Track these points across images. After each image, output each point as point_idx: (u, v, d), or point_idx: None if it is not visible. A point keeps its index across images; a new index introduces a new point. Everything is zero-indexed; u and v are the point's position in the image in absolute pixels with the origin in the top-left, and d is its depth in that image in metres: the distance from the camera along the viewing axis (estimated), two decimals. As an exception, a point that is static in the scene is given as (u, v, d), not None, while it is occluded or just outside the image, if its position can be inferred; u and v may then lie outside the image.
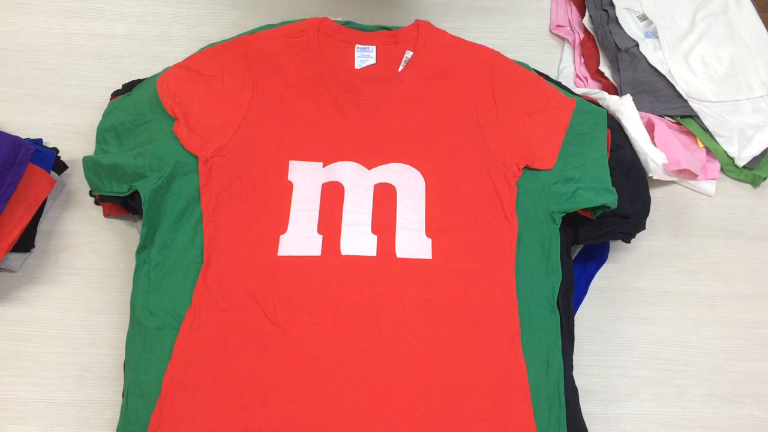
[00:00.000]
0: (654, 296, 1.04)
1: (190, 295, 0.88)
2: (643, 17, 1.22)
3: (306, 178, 0.94)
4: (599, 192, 0.94)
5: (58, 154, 1.05)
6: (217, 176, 0.92)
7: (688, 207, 1.11)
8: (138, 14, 1.24)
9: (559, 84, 1.08)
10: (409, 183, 0.94)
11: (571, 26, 1.24)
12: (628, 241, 1.02)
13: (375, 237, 0.90)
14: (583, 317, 1.00)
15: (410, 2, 1.27)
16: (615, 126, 1.06)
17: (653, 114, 1.13)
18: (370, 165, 0.95)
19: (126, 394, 0.86)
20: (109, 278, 1.01)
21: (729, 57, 1.18)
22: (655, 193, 1.08)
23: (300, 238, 0.90)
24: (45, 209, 1.04)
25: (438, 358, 0.84)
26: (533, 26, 1.25)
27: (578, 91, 1.11)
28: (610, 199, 0.93)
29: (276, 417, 0.82)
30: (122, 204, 0.99)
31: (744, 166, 1.12)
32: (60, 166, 1.05)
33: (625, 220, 0.99)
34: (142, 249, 0.92)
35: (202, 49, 1.04)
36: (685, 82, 1.14)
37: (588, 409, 0.93)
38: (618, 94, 1.14)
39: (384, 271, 0.89)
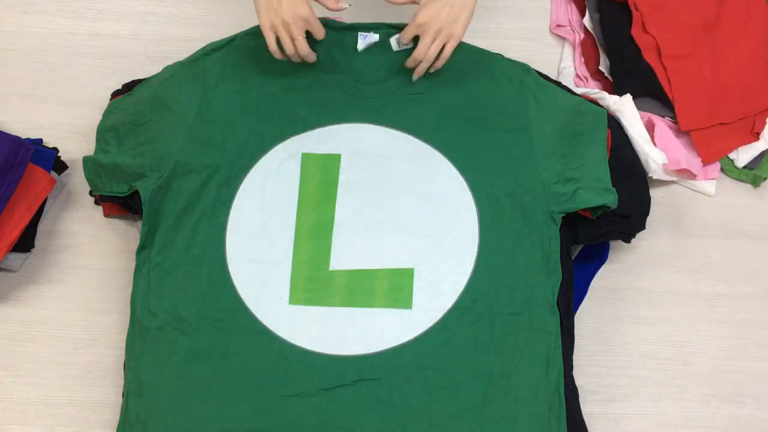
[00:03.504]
0: (654, 296, 1.04)
1: (190, 295, 0.88)
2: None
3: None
4: (599, 192, 0.94)
5: (58, 154, 1.05)
6: None
7: (688, 207, 1.11)
8: (139, 14, 1.24)
9: (559, 84, 1.08)
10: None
11: (571, 26, 1.24)
12: (628, 241, 1.02)
13: None
14: (583, 317, 1.00)
15: (410, 2, 1.27)
16: (615, 126, 1.06)
17: (654, 114, 1.13)
18: None
19: (126, 394, 0.86)
20: (109, 278, 1.01)
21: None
22: (655, 193, 1.08)
23: None
24: (45, 209, 1.04)
25: None
26: (533, 26, 1.25)
27: (578, 91, 1.11)
28: (610, 200, 0.93)
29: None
30: (122, 204, 0.99)
31: (744, 167, 1.12)
32: (60, 166, 1.06)
33: (625, 220, 0.99)
34: (142, 249, 0.92)
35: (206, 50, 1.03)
36: None
37: (588, 409, 0.93)
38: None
39: None
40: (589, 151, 0.98)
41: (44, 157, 1.01)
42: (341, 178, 0.95)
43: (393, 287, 0.90)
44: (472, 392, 0.85)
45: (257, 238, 0.92)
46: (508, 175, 0.94)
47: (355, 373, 0.85)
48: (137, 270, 0.91)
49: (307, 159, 0.96)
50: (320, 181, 0.95)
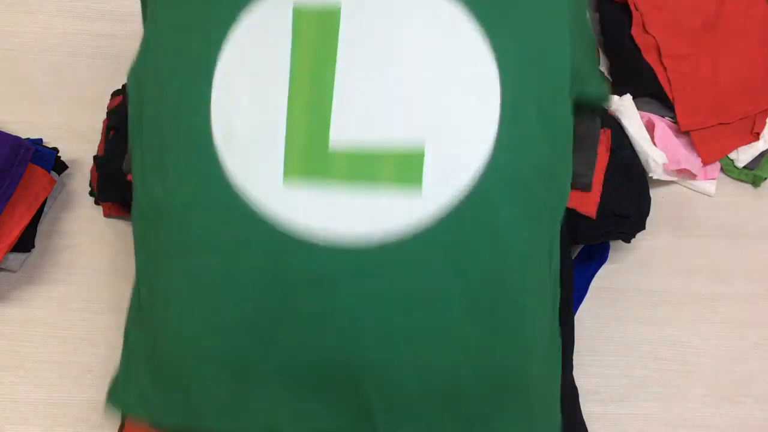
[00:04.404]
0: (654, 296, 1.04)
1: (180, 180, 0.79)
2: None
3: None
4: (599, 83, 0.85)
5: (58, 154, 1.05)
6: None
7: (688, 207, 1.11)
8: (138, 14, 1.23)
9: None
10: None
11: (571, 26, 1.24)
12: (628, 241, 1.02)
13: None
14: (583, 317, 1.00)
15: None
16: (615, 126, 1.06)
17: (654, 114, 1.13)
18: None
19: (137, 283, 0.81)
20: (109, 278, 1.01)
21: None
22: (655, 193, 1.08)
23: None
24: (45, 209, 1.04)
25: None
26: (533, 26, 1.25)
27: (578, 91, 1.11)
28: (602, 90, 0.86)
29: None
30: (122, 204, 0.99)
31: (744, 167, 1.12)
32: (60, 166, 1.06)
33: (625, 220, 0.99)
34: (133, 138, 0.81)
35: None
36: None
37: (588, 409, 0.93)
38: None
39: None
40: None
41: (44, 157, 1.01)
42: (341, 35, 0.79)
43: (400, 168, 0.77)
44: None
45: (246, 114, 0.79)
46: (541, 57, 0.77)
47: (356, 262, 0.76)
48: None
49: (299, 16, 0.79)
50: (316, 41, 0.79)
